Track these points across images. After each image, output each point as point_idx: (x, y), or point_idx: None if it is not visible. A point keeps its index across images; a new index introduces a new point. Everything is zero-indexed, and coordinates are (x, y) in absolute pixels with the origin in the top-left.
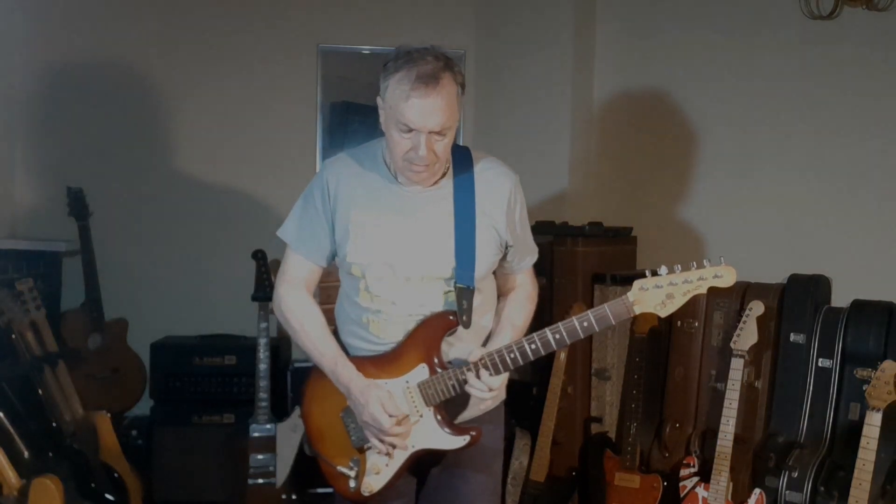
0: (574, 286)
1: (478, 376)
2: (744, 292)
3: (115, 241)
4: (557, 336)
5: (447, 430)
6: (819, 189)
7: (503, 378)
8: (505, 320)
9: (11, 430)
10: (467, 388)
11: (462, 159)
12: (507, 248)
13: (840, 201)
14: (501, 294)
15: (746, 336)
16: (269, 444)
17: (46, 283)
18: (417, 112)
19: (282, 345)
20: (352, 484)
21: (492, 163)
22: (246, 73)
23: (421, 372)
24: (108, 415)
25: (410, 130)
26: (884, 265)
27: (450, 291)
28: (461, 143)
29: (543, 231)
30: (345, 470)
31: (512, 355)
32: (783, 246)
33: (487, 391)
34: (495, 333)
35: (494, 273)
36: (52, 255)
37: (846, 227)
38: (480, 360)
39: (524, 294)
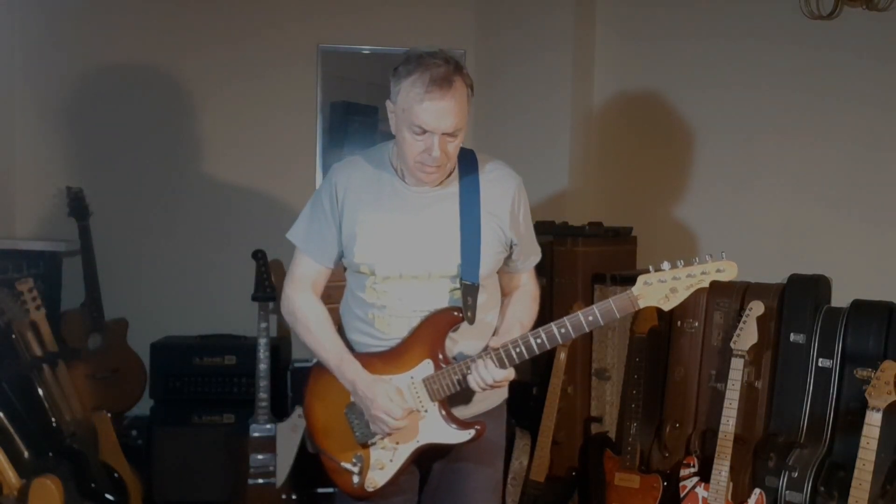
0: (574, 286)
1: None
2: (744, 292)
3: (115, 241)
4: (563, 330)
5: (452, 424)
6: (819, 189)
7: (506, 374)
8: (513, 318)
9: (11, 430)
10: (469, 379)
11: (468, 161)
12: (512, 246)
13: (840, 201)
14: (504, 294)
15: (746, 336)
16: (269, 444)
17: (46, 283)
18: (432, 114)
19: (282, 345)
20: (355, 480)
21: (497, 165)
22: (246, 73)
23: (426, 367)
24: (108, 415)
25: (424, 132)
26: (884, 265)
27: (455, 289)
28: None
29: (543, 231)
30: (348, 466)
31: (518, 349)
32: (783, 246)
33: (490, 382)
34: (503, 330)
35: (498, 273)
36: (52, 255)
37: (846, 228)
38: (486, 351)
39: (528, 294)
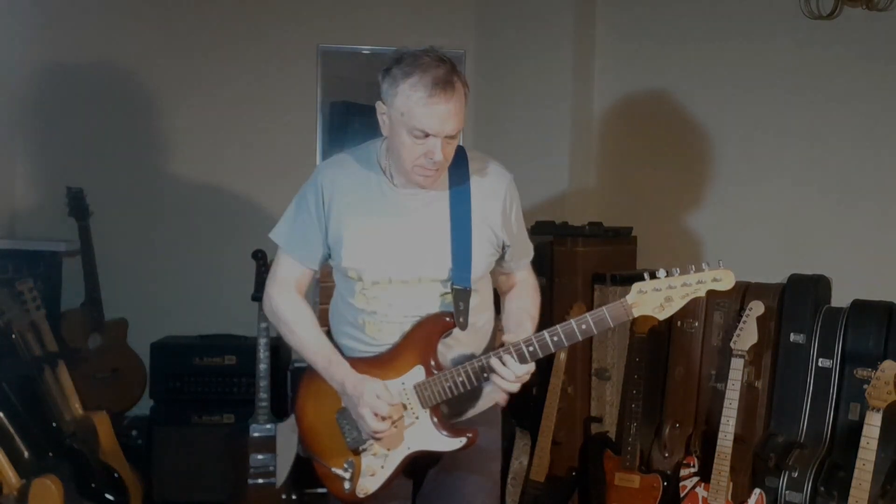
0: (574, 286)
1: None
2: (744, 292)
3: (115, 241)
4: (556, 339)
5: (443, 431)
6: (819, 189)
7: (529, 367)
8: (522, 312)
9: (11, 430)
10: (493, 378)
11: (457, 160)
12: (504, 247)
13: (840, 201)
14: (503, 292)
15: (746, 336)
16: (269, 444)
17: (46, 283)
18: (436, 119)
19: (282, 345)
20: (346, 486)
21: (486, 163)
22: (246, 74)
23: (417, 373)
24: (108, 415)
25: (426, 136)
26: (884, 265)
27: (446, 293)
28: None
29: (543, 231)
30: (339, 472)
31: (531, 348)
32: (783, 246)
33: (512, 378)
34: (513, 325)
35: (494, 273)
36: (52, 255)
37: (846, 227)
38: (504, 347)
39: (530, 287)
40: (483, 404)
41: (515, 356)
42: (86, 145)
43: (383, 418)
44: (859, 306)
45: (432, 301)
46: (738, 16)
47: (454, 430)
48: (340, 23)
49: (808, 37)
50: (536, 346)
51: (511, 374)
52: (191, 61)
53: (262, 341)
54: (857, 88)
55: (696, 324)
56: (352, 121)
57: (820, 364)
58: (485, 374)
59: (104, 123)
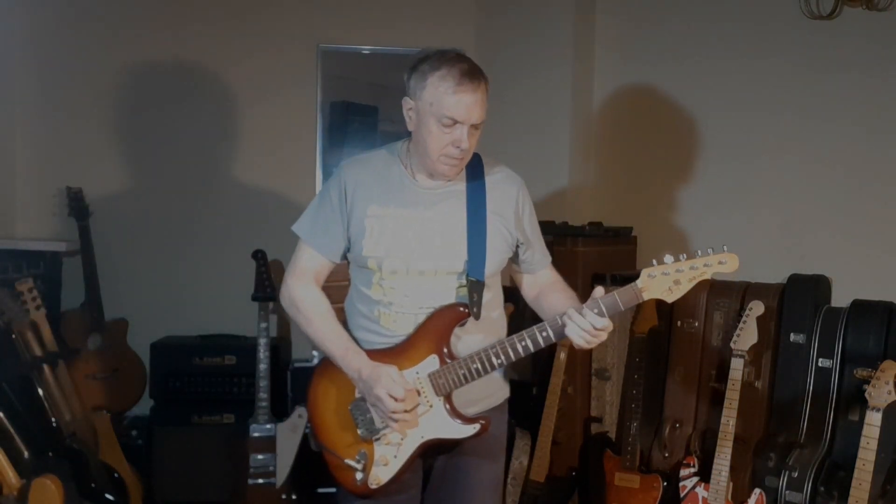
0: (574, 286)
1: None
2: (744, 292)
3: (115, 241)
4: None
5: (457, 419)
6: (819, 189)
7: (606, 322)
8: (567, 299)
9: (11, 430)
10: (569, 329)
11: (474, 162)
12: (518, 245)
13: (840, 201)
14: (532, 295)
15: (746, 336)
16: (269, 444)
17: (46, 283)
18: (464, 106)
19: (282, 345)
20: (359, 476)
21: (500, 166)
22: (246, 73)
23: (431, 363)
24: (108, 415)
25: (454, 123)
26: (884, 265)
27: (462, 286)
28: None
29: (543, 231)
30: (352, 462)
31: (523, 343)
32: (783, 246)
33: (589, 329)
34: (568, 306)
35: (518, 276)
36: (52, 255)
37: (846, 227)
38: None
39: (561, 282)
40: (496, 398)
41: (529, 342)
42: (86, 145)
43: (400, 400)
44: (859, 306)
45: (447, 293)
46: (739, 16)
47: (468, 418)
48: (340, 23)
49: (808, 37)
50: (550, 332)
51: (600, 322)
52: (191, 61)
53: (262, 341)
54: (856, 88)
55: (696, 324)
56: (352, 121)
57: (820, 364)
58: (498, 360)
59: (104, 123)
